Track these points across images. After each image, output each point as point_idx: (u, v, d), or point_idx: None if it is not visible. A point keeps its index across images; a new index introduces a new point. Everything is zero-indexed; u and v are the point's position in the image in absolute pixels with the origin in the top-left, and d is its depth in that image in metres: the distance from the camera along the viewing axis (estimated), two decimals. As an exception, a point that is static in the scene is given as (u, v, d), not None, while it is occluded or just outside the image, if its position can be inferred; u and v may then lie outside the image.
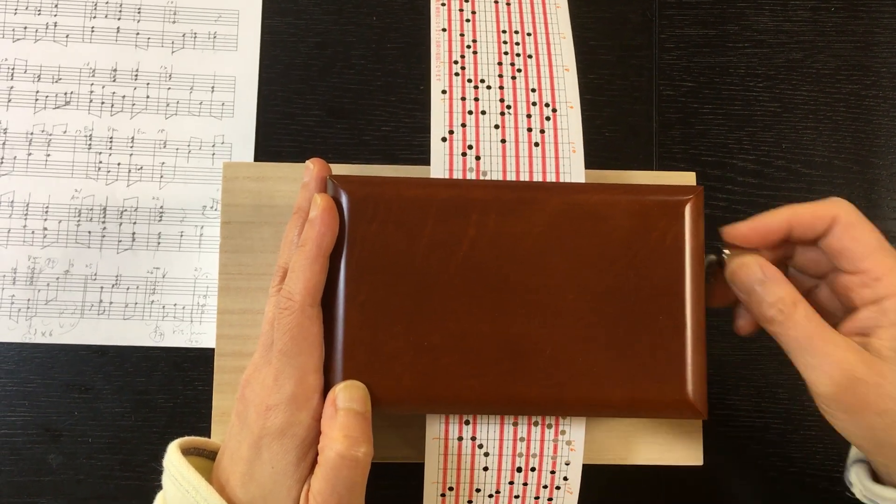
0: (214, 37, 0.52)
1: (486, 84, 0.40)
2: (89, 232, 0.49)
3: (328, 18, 0.52)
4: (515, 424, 0.39)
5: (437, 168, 0.39)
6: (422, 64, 0.52)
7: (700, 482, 0.49)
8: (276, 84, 0.51)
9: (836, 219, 0.37)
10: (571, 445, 0.39)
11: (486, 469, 0.39)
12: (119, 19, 0.51)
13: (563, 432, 0.39)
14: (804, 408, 0.49)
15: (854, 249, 0.36)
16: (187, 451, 0.38)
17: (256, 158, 0.51)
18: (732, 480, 0.50)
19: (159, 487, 0.37)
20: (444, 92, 0.40)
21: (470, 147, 0.39)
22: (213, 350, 0.44)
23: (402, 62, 0.52)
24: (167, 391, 0.48)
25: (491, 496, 0.40)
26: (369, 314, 0.37)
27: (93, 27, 0.51)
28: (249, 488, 0.35)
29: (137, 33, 0.51)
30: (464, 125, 0.39)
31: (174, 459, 0.35)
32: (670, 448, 0.44)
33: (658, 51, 0.53)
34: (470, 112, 0.40)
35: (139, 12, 0.51)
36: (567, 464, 0.39)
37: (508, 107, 0.40)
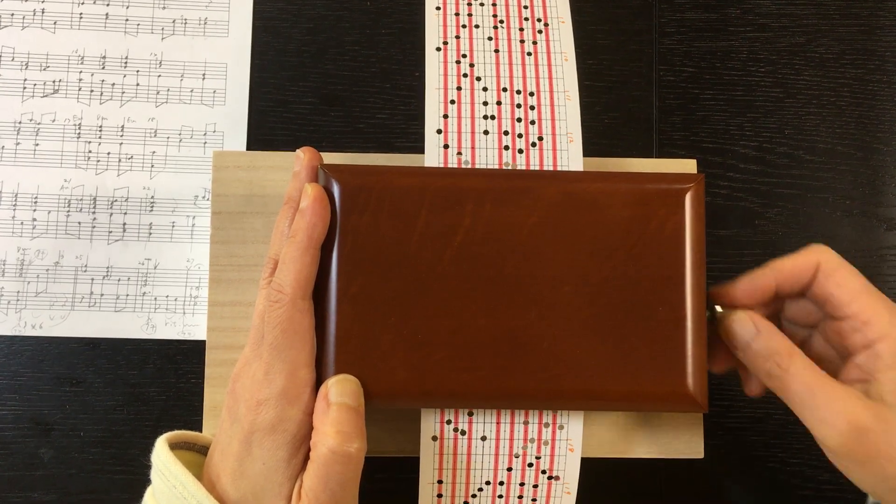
0: (205, 23, 0.51)
1: (478, 1, 0.41)
2: (79, 223, 0.48)
3: (321, 3, 0.51)
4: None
5: (432, 77, 0.39)
6: (417, 50, 0.51)
7: (700, 473, 0.49)
8: (269, 71, 0.50)
9: (819, 267, 0.37)
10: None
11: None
12: (108, 5, 0.50)
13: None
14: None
15: (839, 295, 0.36)
16: (177, 446, 0.37)
17: (249, 147, 0.50)
18: (733, 472, 0.49)
19: (150, 482, 0.36)
20: (437, 8, 0.41)
21: (464, 56, 0.40)
22: (205, 342, 0.43)
23: (397, 48, 0.51)
24: (159, 384, 0.48)
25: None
26: (362, 307, 0.36)
27: (81, 14, 0.50)
28: (240, 485, 0.34)
29: (127, 20, 0.50)
30: (458, 37, 0.40)
31: (162, 455, 0.35)
32: (670, 441, 0.43)
33: (658, 35, 0.52)
34: (464, 26, 0.41)
35: (128, -2, 0.50)
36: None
37: (501, 21, 0.41)
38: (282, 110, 0.50)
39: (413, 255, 0.37)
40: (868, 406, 0.34)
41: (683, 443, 0.43)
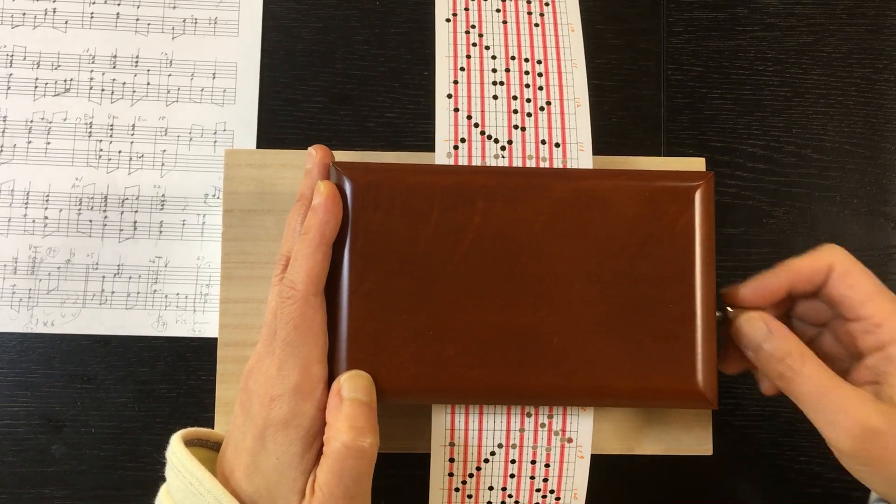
0: (215, 22, 0.51)
1: None
2: (90, 221, 0.49)
3: (330, 3, 0.51)
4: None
5: (442, 47, 0.40)
6: (426, 49, 0.51)
7: (708, 471, 0.49)
8: (279, 70, 0.51)
9: (832, 268, 0.37)
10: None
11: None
12: (119, 5, 0.51)
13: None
14: (814, 396, 0.49)
15: (852, 297, 0.36)
16: (190, 443, 0.37)
17: (259, 145, 0.50)
18: (741, 469, 0.49)
19: (163, 478, 0.36)
20: None
21: (473, 27, 0.41)
22: (216, 340, 0.43)
23: (406, 47, 0.51)
24: (170, 381, 0.48)
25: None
26: (373, 303, 0.37)
27: (92, 13, 0.50)
28: (254, 480, 0.34)
29: (137, 19, 0.51)
30: (466, 9, 0.41)
31: (177, 451, 0.35)
32: (679, 438, 0.43)
33: (666, 34, 0.52)
34: None
35: (139, -3, 0.51)
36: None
37: None
38: (292, 109, 0.50)
39: (424, 253, 0.37)
40: (879, 409, 0.34)
41: (692, 440, 0.44)
